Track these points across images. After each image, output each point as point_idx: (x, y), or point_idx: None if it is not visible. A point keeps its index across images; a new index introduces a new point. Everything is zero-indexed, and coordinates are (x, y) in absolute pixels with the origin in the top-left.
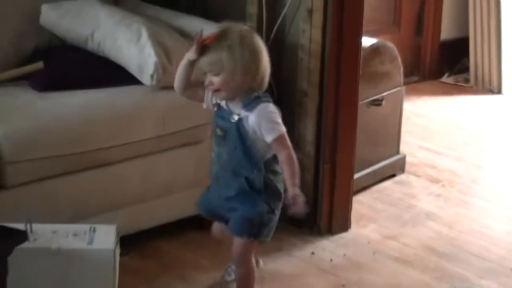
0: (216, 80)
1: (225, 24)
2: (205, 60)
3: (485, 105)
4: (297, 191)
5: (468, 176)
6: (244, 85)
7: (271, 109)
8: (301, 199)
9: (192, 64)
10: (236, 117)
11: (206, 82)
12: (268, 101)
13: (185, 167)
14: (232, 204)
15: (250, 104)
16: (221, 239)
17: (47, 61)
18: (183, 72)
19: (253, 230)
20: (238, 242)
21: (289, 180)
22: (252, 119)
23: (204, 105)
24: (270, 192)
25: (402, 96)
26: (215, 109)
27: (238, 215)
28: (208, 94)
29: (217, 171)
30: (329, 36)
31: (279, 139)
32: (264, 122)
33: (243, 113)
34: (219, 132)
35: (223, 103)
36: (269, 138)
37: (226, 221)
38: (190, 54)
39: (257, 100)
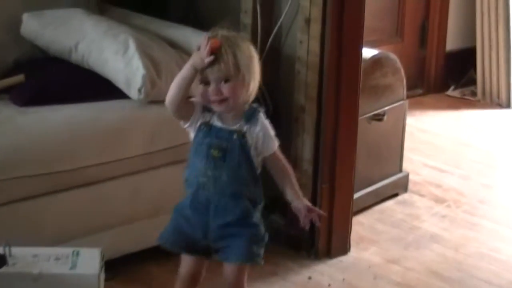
0: (226, 87)
1: (219, 30)
2: (215, 65)
3: (493, 120)
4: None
5: (475, 196)
6: (250, 94)
7: (266, 119)
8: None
9: (196, 73)
10: (239, 134)
11: (211, 91)
12: (262, 109)
13: (175, 186)
14: (231, 230)
15: (252, 116)
16: (195, 278)
17: (29, 74)
18: (185, 84)
19: (259, 252)
20: (236, 269)
21: (296, 191)
22: (256, 130)
23: (186, 124)
24: (260, 207)
25: (405, 111)
26: (205, 128)
27: (242, 240)
28: (197, 112)
29: (208, 197)
30: (328, 47)
31: (278, 150)
32: (267, 133)
33: (245, 126)
34: (216, 153)
35: (215, 122)
36: (270, 150)
37: (206, 254)
38: (198, 61)
39: (257, 111)
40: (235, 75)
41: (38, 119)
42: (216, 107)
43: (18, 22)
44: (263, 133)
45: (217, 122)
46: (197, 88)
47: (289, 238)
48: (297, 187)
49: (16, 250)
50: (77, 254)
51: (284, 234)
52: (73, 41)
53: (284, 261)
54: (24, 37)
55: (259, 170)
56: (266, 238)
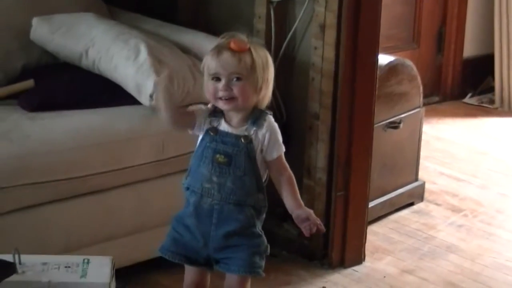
0: (237, 85)
1: (237, 34)
2: (228, 60)
3: (511, 128)
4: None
5: (493, 206)
6: (256, 99)
7: (276, 124)
8: (314, 217)
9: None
10: (246, 138)
11: (221, 87)
12: (271, 113)
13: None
14: (233, 241)
15: (259, 119)
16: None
17: (38, 79)
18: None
19: (261, 264)
20: (238, 281)
21: (297, 200)
22: (262, 134)
23: (192, 131)
24: (262, 217)
25: (422, 118)
26: (211, 133)
27: (244, 252)
28: (202, 117)
29: (212, 204)
30: (343, 54)
31: (282, 156)
32: (273, 137)
33: (252, 130)
34: (221, 159)
35: (223, 126)
36: (274, 155)
37: (207, 264)
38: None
39: (264, 114)
40: (248, 76)
41: (46, 125)
42: (223, 105)
43: (28, 27)
44: (269, 136)
45: (223, 127)
46: (207, 84)
47: (303, 247)
48: (298, 195)
49: (25, 258)
50: (88, 262)
51: (297, 243)
52: (84, 46)
53: (297, 271)
54: (33, 42)
55: (265, 178)
56: (268, 249)
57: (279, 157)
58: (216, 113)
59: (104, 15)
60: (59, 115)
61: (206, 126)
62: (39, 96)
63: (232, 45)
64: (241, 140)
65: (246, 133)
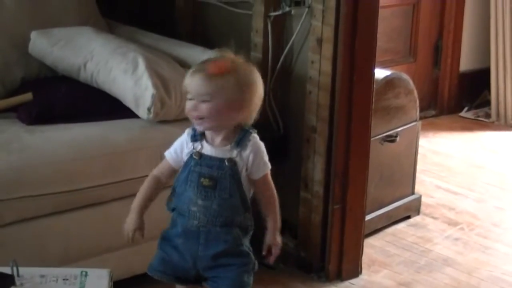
0: (203, 106)
1: (225, 52)
2: (198, 82)
3: (507, 142)
4: (279, 239)
5: (489, 219)
6: (236, 119)
7: (260, 142)
8: (279, 248)
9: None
10: (231, 161)
11: (189, 107)
12: (255, 133)
13: None
14: (222, 260)
15: (243, 139)
16: None
17: (37, 92)
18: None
19: (249, 282)
20: None
21: (274, 224)
22: (246, 155)
23: (177, 166)
24: (249, 234)
25: (418, 132)
26: (195, 157)
27: (233, 271)
28: (183, 149)
29: (199, 226)
30: (340, 68)
31: (267, 176)
32: (258, 157)
33: (235, 152)
34: (206, 182)
35: (206, 149)
36: (259, 175)
37: (197, 282)
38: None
39: (248, 134)
40: (218, 97)
41: (45, 138)
42: (196, 125)
43: (26, 40)
44: (254, 156)
45: (206, 149)
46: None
47: (299, 260)
48: (277, 217)
49: (23, 270)
50: (86, 274)
51: (294, 256)
52: (82, 59)
53: (294, 283)
54: (32, 55)
55: (250, 197)
56: (256, 266)
57: (264, 176)
58: (197, 136)
59: (102, 28)
60: (58, 127)
61: (188, 150)
62: (37, 109)
63: (210, 68)
64: (225, 163)
65: (229, 156)
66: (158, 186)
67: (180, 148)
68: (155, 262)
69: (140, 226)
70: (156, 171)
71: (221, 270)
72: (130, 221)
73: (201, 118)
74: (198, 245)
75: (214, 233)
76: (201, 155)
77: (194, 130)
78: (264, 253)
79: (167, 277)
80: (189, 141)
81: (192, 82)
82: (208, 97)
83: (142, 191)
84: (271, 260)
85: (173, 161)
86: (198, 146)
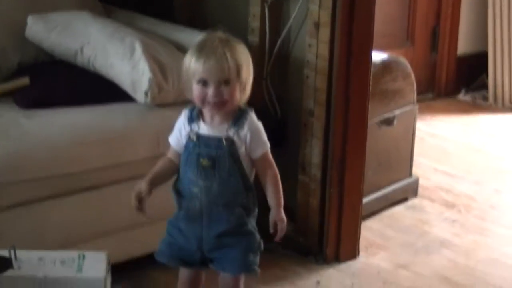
0: (227, 89)
1: (215, 32)
2: (214, 65)
3: (505, 124)
4: (284, 215)
5: (486, 201)
6: (242, 98)
7: (258, 121)
8: (285, 224)
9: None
10: (228, 140)
11: (211, 93)
12: (252, 111)
13: None
14: (227, 240)
15: (240, 118)
16: (195, 284)
17: (33, 77)
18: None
19: (255, 261)
20: (233, 279)
21: (278, 201)
22: (244, 134)
23: (181, 150)
24: (254, 214)
25: (415, 115)
26: (193, 139)
27: (238, 250)
28: (181, 131)
29: (201, 207)
30: (337, 51)
31: (267, 154)
32: (255, 136)
33: (232, 131)
34: (205, 162)
35: (203, 129)
36: (258, 153)
37: (203, 265)
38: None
39: (245, 112)
40: (236, 78)
41: (42, 122)
42: (211, 109)
43: (23, 25)
44: (251, 134)
45: (203, 130)
46: (192, 88)
47: (298, 243)
48: (280, 194)
49: (21, 254)
50: (83, 257)
51: (293, 239)
52: (79, 44)
53: (292, 266)
54: (28, 40)
55: (252, 177)
56: (262, 245)
57: (263, 155)
58: (194, 117)
59: (100, 13)
60: (55, 112)
61: (186, 132)
62: (34, 93)
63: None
64: (223, 142)
65: (227, 135)
66: (170, 165)
67: (179, 131)
68: (162, 247)
69: (142, 190)
70: (168, 154)
71: (225, 251)
72: (136, 186)
73: (223, 103)
74: (202, 226)
75: (217, 214)
76: (198, 136)
77: (190, 111)
78: (271, 230)
79: (173, 261)
80: (186, 123)
81: (209, 66)
82: (229, 79)
83: (154, 166)
84: (278, 236)
85: (176, 145)
86: (195, 127)
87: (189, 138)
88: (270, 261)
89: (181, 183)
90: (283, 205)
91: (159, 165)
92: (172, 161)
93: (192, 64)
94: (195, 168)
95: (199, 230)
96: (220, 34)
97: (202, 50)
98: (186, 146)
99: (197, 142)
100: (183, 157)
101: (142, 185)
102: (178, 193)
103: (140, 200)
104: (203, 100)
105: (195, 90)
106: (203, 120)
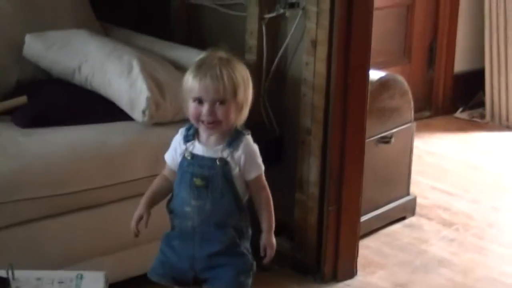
0: (221, 109)
1: (216, 51)
2: (211, 85)
3: (502, 142)
4: (274, 240)
5: (484, 220)
6: (237, 119)
7: (253, 144)
8: (274, 250)
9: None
10: (222, 160)
11: (205, 112)
12: (249, 134)
13: None
14: (219, 261)
15: (235, 140)
16: None
17: (31, 95)
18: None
19: (247, 282)
20: None
21: (269, 226)
22: (238, 156)
23: (176, 168)
24: (247, 236)
25: (413, 133)
26: (188, 158)
27: (230, 271)
28: (177, 150)
29: (193, 226)
30: (334, 69)
31: (261, 177)
32: (250, 158)
33: (227, 152)
34: (198, 182)
35: (197, 149)
36: (251, 176)
37: (196, 284)
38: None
39: (240, 135)
40: (232, 98)
41: (40, 141)
42: (205, 129)
43: (21, 43)
44: (245, 157)
45: (198, 150)
46: (188, 106)
47: (295, 261)
48: (272, 219)
49: (19, 273)
50: (81, 277)
51: (290, 257)
52: (77, 62)
53: (289, 285)
54: (26, 58)
55: (245, 199)
56: (254, 267)
57: (257, 177)
58: (189, 136)
59: (97, 31)
60: (53, 130)
61: (181, 151)
62: (32, 112)
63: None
64: (217, 163)
65: (221, 155)
66: (166, 183)
67: (174, 149)
68: (155, 265)
69: (143, 214)
70: (164, 171)
71: (218, 271)
72: (136, 211)
73: (217, 123)
74: (194, 245)
75: (209, 234)
76: (193, 155)
77: (187, 130)
78: (262, 254)
79: (166, 280)
80: (182, 141)
81: (203, 85)
82: (224, 99)
83: (151, 185)
84: (266, 261)
85: (172, 163)
86: (190, 146)
87: (183, 157)
88: (268, 279)
89: (174, 202)
90: (274, 229)
91: (156, 183)
92: (168, 179)
93: (189, 81)
94: (188, 187)
95: (192, 249)
96: (221, 53)
97: (200, 68)
98: (181, 165)
99: (191, 161)
100: (178, 175)
101: (141, 210)
102: (172, 212)
103: (137, 223)
104: (198, 118)
105: (191, 108)
106: (199, 140)
